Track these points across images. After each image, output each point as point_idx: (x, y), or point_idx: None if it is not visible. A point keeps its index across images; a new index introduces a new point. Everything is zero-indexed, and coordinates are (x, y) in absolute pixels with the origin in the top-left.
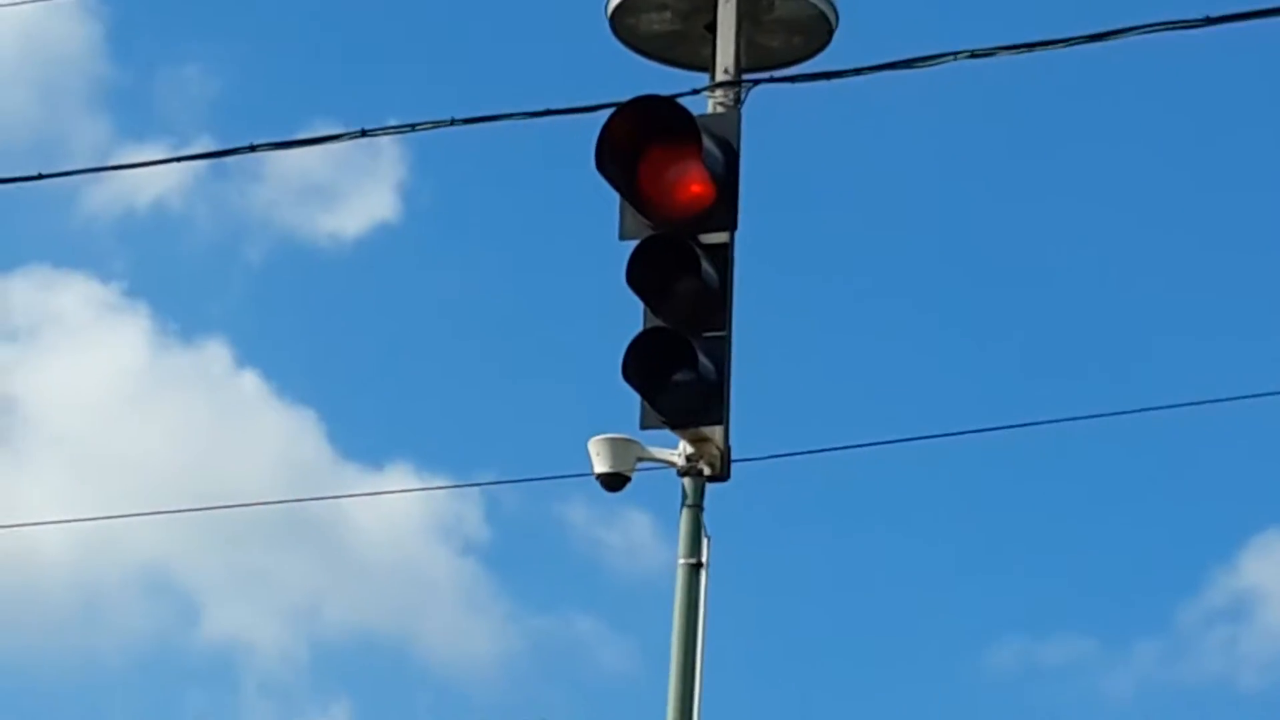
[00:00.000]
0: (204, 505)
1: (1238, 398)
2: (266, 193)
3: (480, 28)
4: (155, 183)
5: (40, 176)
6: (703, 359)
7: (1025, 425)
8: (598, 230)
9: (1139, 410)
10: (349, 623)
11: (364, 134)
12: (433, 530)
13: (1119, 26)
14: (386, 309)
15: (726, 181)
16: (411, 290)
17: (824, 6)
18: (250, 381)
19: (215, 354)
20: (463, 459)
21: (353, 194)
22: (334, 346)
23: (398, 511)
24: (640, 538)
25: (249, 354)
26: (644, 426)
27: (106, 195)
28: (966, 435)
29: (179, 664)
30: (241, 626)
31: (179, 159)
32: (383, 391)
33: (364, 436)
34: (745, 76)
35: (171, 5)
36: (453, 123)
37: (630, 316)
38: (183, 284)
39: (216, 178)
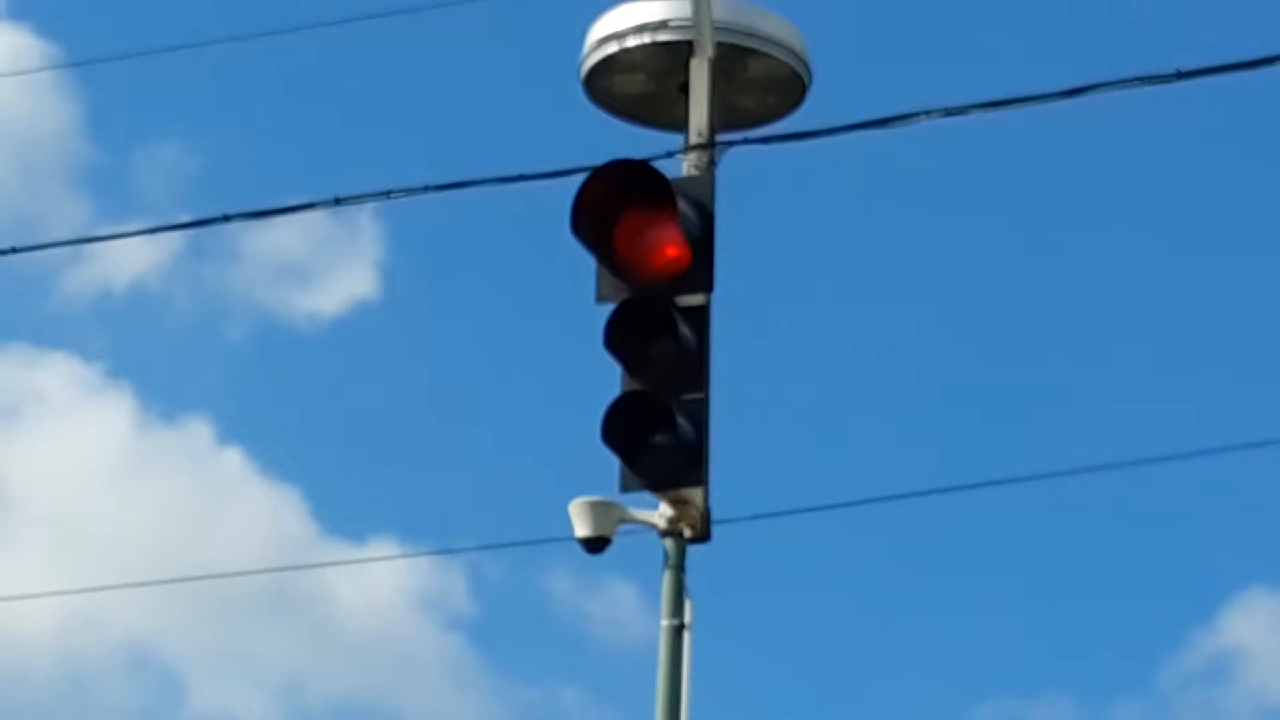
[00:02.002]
0: (189, 577)
1: (1216, 450)
2: (245, 272)
3: (455, 93)
4: (133, 262)
5: (14, 250)
6: (681, 421)
7: (1006, 482)
8: (574, 294)
9: (1119, 465)
10: (334, 697)
11: (338, 202)
12: (417, 604)
13: (1091, 82)
14: (367, 384)
15: (702, 244)
16: (392, 365)
17: (797, 66)
18: (233, 458)
19: (198, 432)
20: (446, 531)
21: (331, 272)
22: (316, 423)
23: (382, 586)
24: (624, 607)
25: (231, 431)
26: (624, 489)
27: (85, 276)
28: (946, 494)
29: None
30: (227, 702)
31: (154, 230)
32: (366, 467)
33: (347, 512)
34: (719, 138)
35: (150, 84)
36: (427, 189)
37: (608, 380)
38: (163, 363)
39: (194, 258)
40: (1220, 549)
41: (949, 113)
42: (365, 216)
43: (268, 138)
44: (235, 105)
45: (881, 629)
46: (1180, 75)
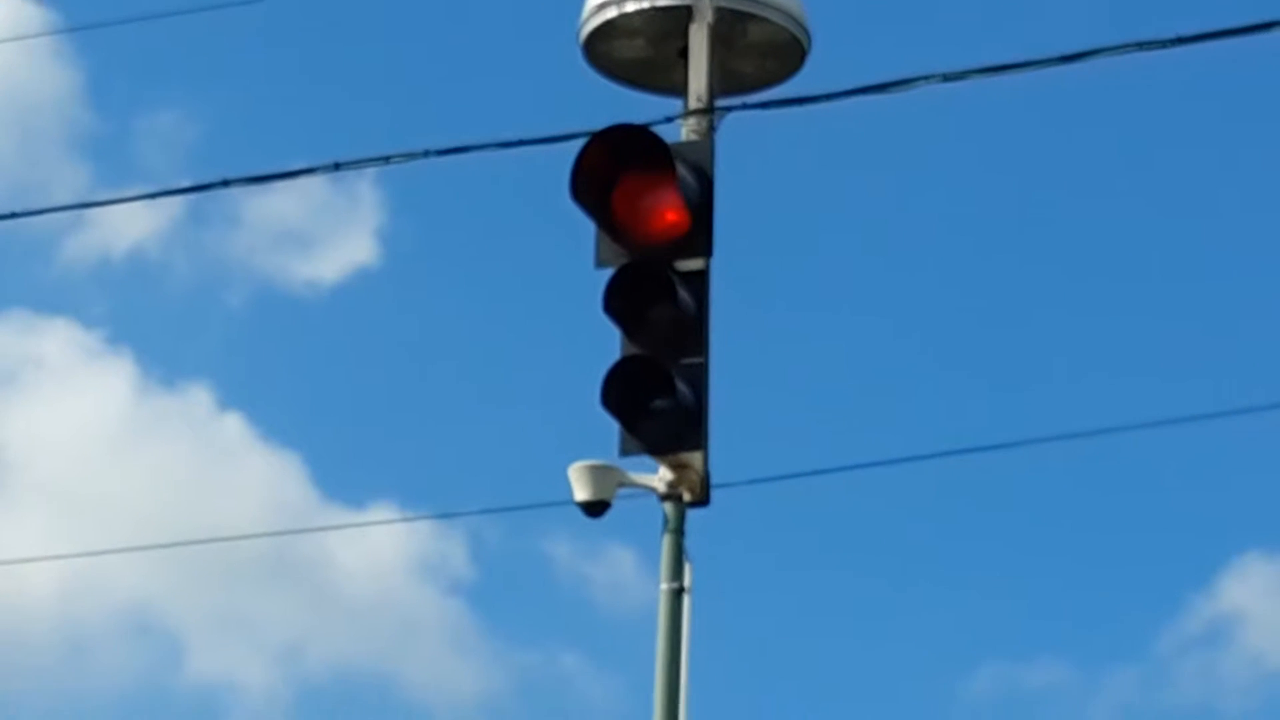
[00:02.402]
0: (190, 540)
1: (1212, 415)
2: (245, 239)
3: (454, 58)
4: (133, 229)
5: (14, 215)
6: (681, 385)
7: (1004, 446)
8: (573, 259)
9: (1116, 429)
10: (334, 662)
11: (337, 167)
12: (416, 569)
13: (1089, 48)
14: (367, 351)
15: (701, 208)
16: (391, 331)
17: (796, 31)
18: (233, 424)
19: (198, 398)
20: (446, 497)
21: (330, 239)
22: (316, 389)
23: (382, 551)
24: (624, 572)
25: (232, 397)
26: (624, 453)
27: (84, 242)
28: (944, 457)
29: (164, 705)
30: (226, 667)
31: (154, 195)
32: (366, 433)
33: (348, 477)
34: (719, 103)
35: (150, 51)
36: (426, 154)
37: (608, 344)
38: (163, 329)
39: (194, 224)
40: (1217, 513)
41: (948, 78)
42: (365, 184)
43: (267, 105)
44: (234, 72)
45: (878, 593)
46: (1179, 40)
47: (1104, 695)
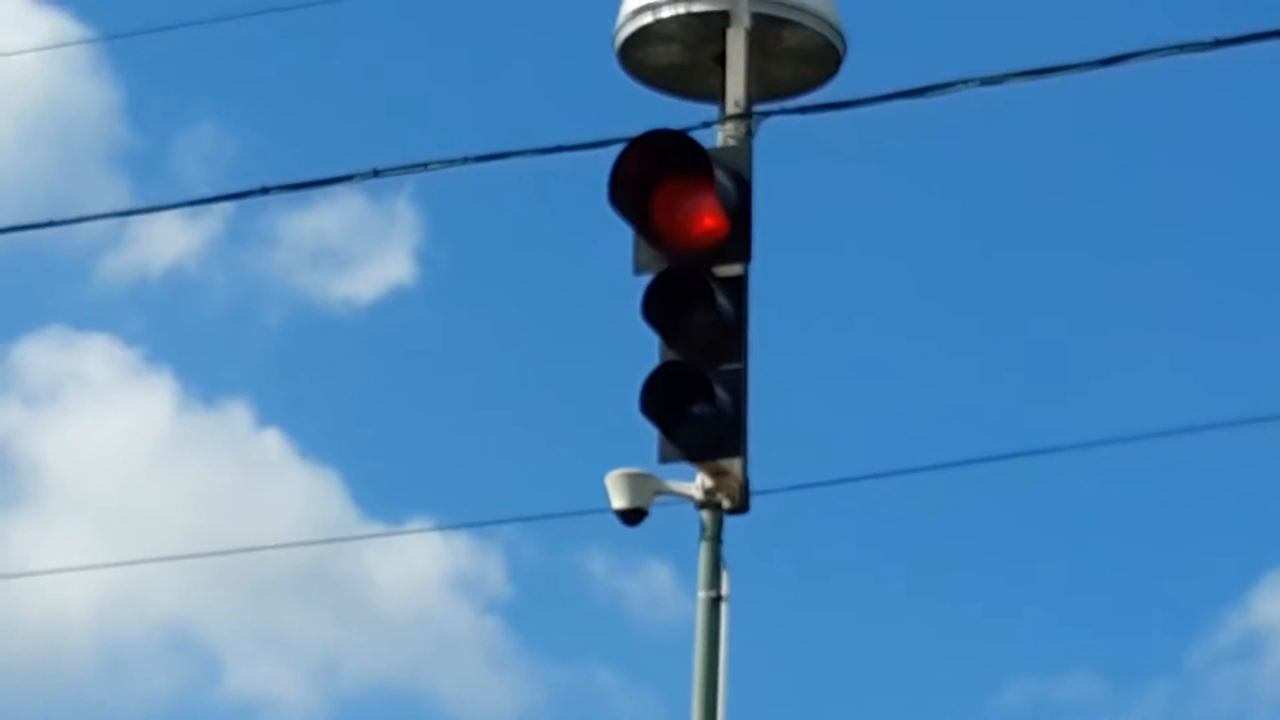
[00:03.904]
0: (227, 550)
1: (1247, 421)
2: (282, 257)
3: (490, 67)
4: (171, 247)
5: (52, 224)
6: (720, 391)
7: (1040, 452)
8: (612, 266)
9: (1151, 435)
10: (370, 678)
11: (376, 174)
12: (453, 585)
13: (1129, 50)
14: (405, 368)
15: (740, 214)
16: (428, 346)
17: (832, 36)
18: (272, 440)
19: (237, 415)
20: (485, 510)
21: (368, 258)
22: (355, 406)
23: (419, 567)
24: (660, 587)
25: (270, 415)
26: (663, 460)
27: (122, 261)
28: (982, 464)
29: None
30: (263, 682)
31: (192, 203)
32: (404, 448)
33: (386, 494)
34: (756, 109)
35: (189, 66)
36: (465, 160)
37: (647, 351)
38: (202, 346)
39: (231, 243)
40: (1250, 527)
41: (986, 82)
42: (402, 203)
43: (307, 119)
44: (272, 87)
45: (915, 603)
46: (1219, 43)
47: (1135, 710)
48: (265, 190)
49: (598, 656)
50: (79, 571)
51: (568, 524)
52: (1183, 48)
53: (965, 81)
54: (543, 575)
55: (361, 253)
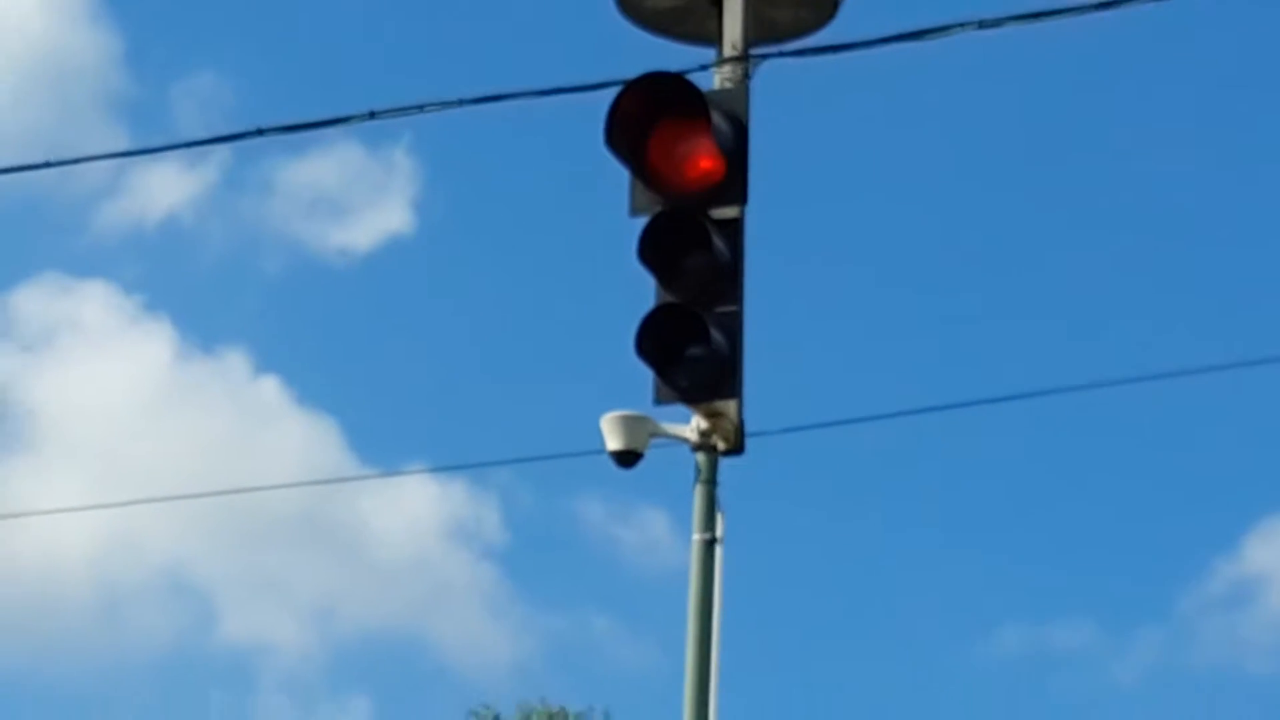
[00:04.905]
0: (224, 490)
1: (1236, 365)
2: (279, 206)
3: (488, 11)
4: (167, 197)
5: (48, 165)
6: (715, 334)
7: (1034, 394)
8: (608, 208)
9: (1140, 379)
10: (366, 623)
11: (372, 115)
12: (450, 531)
13: None
14: (401, 316)
15: (736, 156)
16: (426, 296)
17: None
18: (270, 388)
19: (235, 362)
20: (481, 457)
21: (365, 207)
22: (352, 353)
23: (415, 513)
24: (655, 534)
25: (268, 362)
26: (658, 401)
27: (119, 209)
28: (976, 406)
29: (199, 664)
30: (260, 627)
31: (185, 145)
32: (401, 396)
33: (383, 441)
34: (753, 51)
35: (186, 17)
36: (461, 103)
37: (643, 293)
38: (200, 295)
39: (229, 190)
40: (1242, 476)
41: (983, 25)
42: (400, 153)
43: (305, 68)
44: (271, 36)
45: (909, 546)
46: None
47: (1128, 656)
48: (260, 132)
49: (593, 603)
50: (76, 513)
51: (564, 468)
52: None
53: (963, 25)
54: (539, 521)
55: (359, 202)
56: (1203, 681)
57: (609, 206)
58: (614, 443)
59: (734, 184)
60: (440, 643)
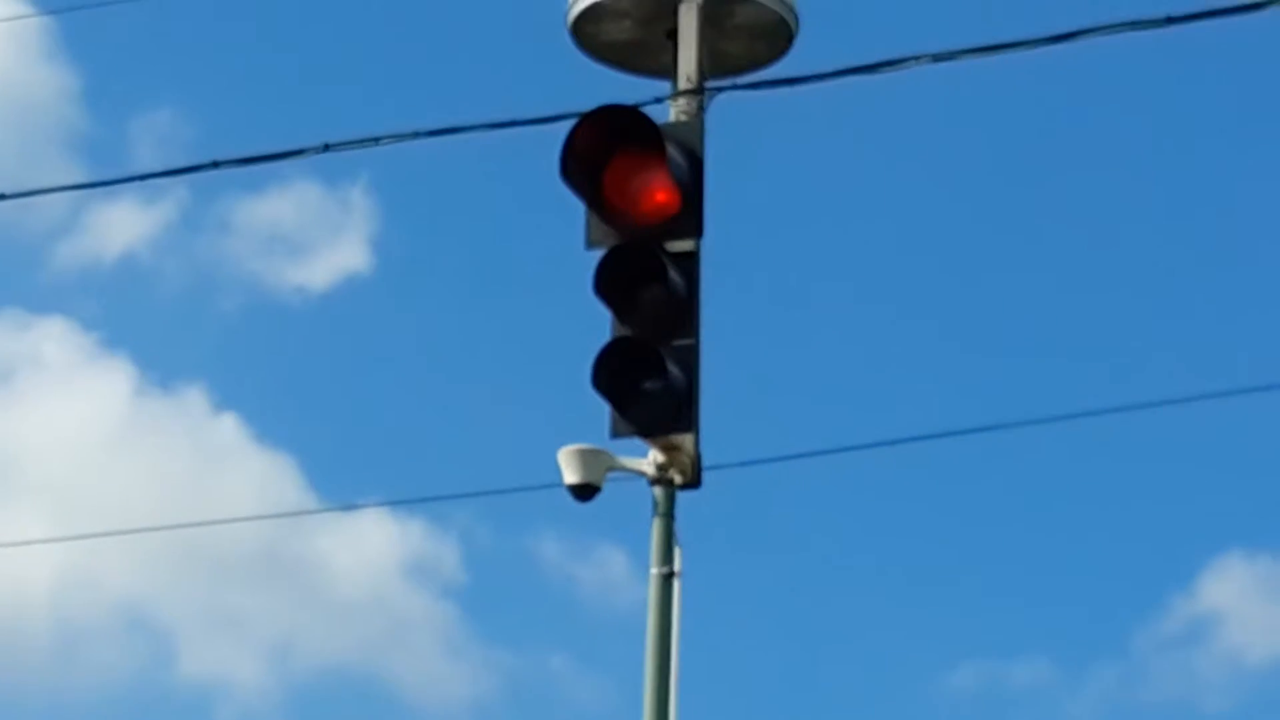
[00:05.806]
0: (182, 526)
1: (1194, 399)
2: (236, 244)
3: (443, 42)
4: (125, 234)
5: (4, 197)
6: (672, 367)
7: (991, 428)
8: (563, 241)
9: (1096, 413)
10: (324, 661)
11: (326, 148)
12: (408, 569)
13: (1080, 27)
14: (359, 353)
15: (691, 189)
16: (383, 332)
17: (784, 12)
18: (229, 425)
19: (193, 399)
20: (438, 489)
21: (322, 245)
22: (310, 391)
23: (373, 551)
24: (613, 572)
25: (226, 399)
26: (614, 435)
27: (76, 247)
28: (934, 439)
29: (156, 701)
30: (218, 664)
31: (144, 176)
32: (359, 433)
33: (341, 478)
34: (708, 84)
35: (145, 53)
36: (416, 135)
37: (599, 327)
38: (158, 332)
39: (186, 229)
40: (1200, 512)
41: (938, 58)
42: (357, 192)
43: (262, 103)
44: (230, 73)
45: (867, 580)
46: (1170, 20)
47: (1084, 693)
48: (216, 164)
49: (551, 642)
50: (36, 547)
51: (522, 506)
52: (1134, 25)
53: (917, 58)
54: (497, 560)
55: (316, 240)
56: (1158, 719)
57: (564, 240)
58: (571, 476)
59: (689, 217)
60: (398, 681)
